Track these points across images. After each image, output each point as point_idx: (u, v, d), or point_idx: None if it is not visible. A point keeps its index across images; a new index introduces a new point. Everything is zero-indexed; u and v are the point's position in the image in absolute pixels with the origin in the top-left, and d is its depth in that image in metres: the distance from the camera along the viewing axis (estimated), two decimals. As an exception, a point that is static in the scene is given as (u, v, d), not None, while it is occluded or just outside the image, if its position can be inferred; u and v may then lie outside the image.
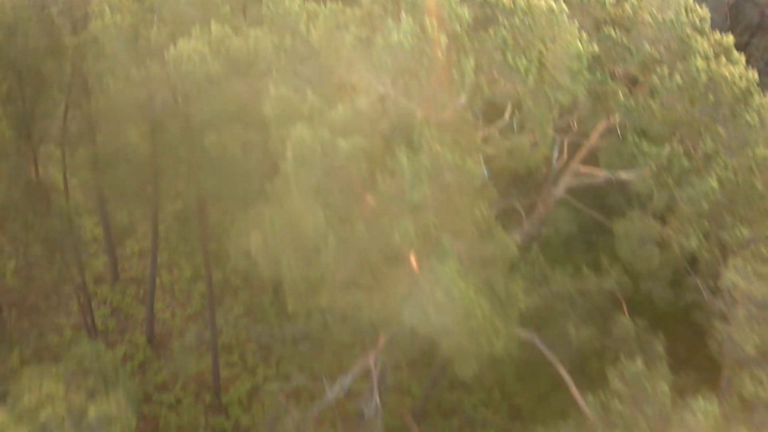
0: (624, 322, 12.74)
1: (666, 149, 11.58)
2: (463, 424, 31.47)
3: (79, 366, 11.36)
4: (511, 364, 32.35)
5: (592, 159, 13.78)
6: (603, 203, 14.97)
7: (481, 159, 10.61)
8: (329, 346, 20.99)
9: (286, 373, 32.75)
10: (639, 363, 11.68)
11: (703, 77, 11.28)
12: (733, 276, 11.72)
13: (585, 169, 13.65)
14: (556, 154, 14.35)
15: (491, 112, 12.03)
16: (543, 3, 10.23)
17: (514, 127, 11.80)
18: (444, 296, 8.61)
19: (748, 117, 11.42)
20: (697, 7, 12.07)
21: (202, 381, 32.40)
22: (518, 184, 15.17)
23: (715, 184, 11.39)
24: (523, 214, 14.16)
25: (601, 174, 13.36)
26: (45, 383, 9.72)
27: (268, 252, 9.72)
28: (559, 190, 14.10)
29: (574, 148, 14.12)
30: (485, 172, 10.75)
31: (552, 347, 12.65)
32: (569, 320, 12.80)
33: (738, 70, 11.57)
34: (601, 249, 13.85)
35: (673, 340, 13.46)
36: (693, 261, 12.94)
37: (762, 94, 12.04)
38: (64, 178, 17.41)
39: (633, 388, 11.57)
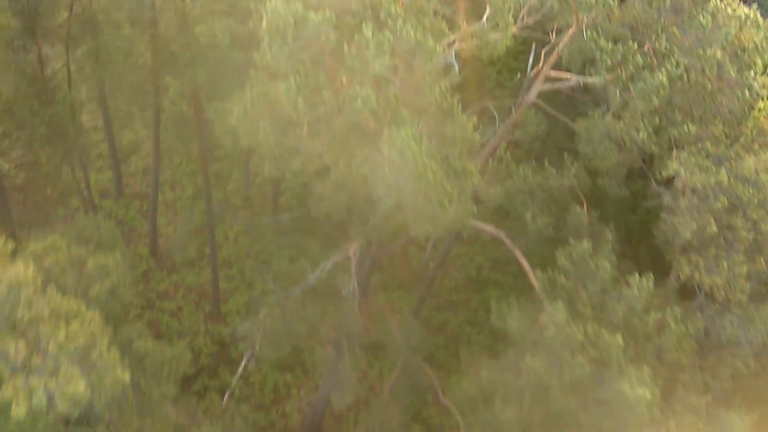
0: (578, 211, 13.86)
1: (622, 46, 12.41)
2: (449, 341, 33.23)
3: (80, 235, 12.61)
4: (496, 288, 33.92)
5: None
6: (572, 107, 15.90)
7: (449, 47, 11.51)
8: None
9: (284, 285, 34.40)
10: (585, 244, 12.86)
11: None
12: (676, 166, 12.74)
13: (555, 73, 14.51)
14: (530, 62, 15.19)
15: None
16: None
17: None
18: (398, 157, 9.70)
19: (702, 19, 12.16)
20: None
21: (202, 291, 34.23)
22: (494, 90, 16.08)
23: (665, 80, 12.26)
24: (497, 117, 15.13)
25: (570, 77, 14.23)
26: (50, 238, 11.02)
27: (248, 121, 10.83)
28: (532, 96, 15.01)
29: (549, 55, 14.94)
30: (454, 63, 11.66)
31: (513, 237, 13.83)
32: (528, 210, 13.94)
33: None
34: (565, 149, 14.88)
35: (623, 233, 14.62)
36: (649, 159, 13.94)
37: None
38: (68, 71, 18.49)
39: (578, 266, 12.79)
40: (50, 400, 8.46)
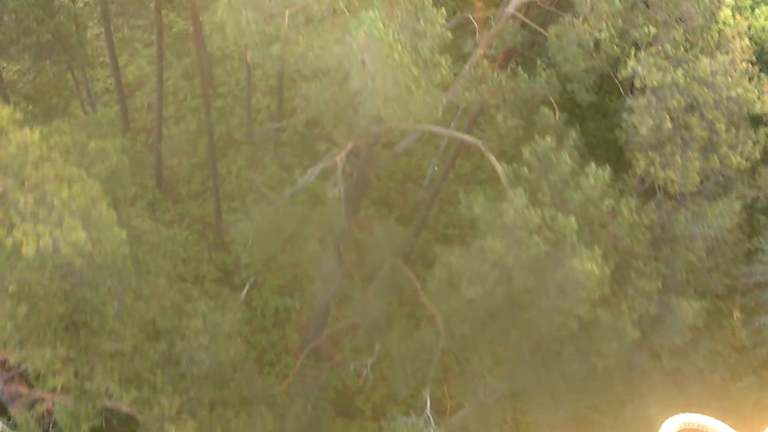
0: (546, 113, 14.79)
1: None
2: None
3: (82, 126, 13.72)
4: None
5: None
6: (548, 19, 16.67)
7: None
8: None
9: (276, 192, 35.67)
10: (549, 140, 13.85)
11: None
12: (633, 64, 13.59)
13: (532, -16, 15.26)
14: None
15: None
16: None
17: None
18: (365, 36, 10.65)
19: None
20: None
21: (206, 222, 35.64)
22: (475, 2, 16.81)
23: (628, -18, 13.03)
24: (477, 28, 15.94)
25: (545, -13, 14.98)
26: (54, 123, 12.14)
27: (232, 12, 11.80)
28: (511, 8, 15.80)
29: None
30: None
31: (485, 138, 14.82)
32: (500, 112, 14.89)
33: None
34: (538, 56, 15.72)
35: (589, 136, 15.61)
36: (615, 65, 14.77)
37: None
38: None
39: (542, 160, 13.81)
40: (55, 244, 9.71)
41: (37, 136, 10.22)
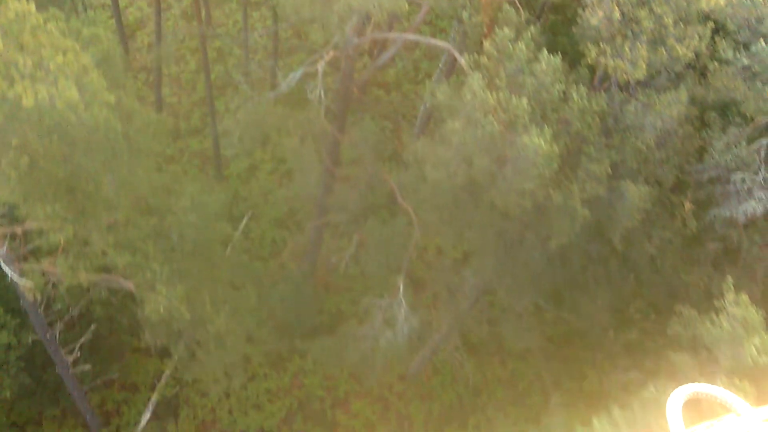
0: (509, 9, 15.80)
1: None
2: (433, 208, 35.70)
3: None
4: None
5: None
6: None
7: None
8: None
9: (281, 157, 37.24)
10: (507, 30, 14.91)
11: None
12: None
13: None
14: None
15: None
16: None
17: None
18: None
19: None
20: None
21: (206, 157, 37.03)
22: None
23: None
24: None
25: None
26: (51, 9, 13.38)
27: None
28: None
29: None
30: None
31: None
32: (466, 10, 15.93)
33: None
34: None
35: (548, 34, 16.67)
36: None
37: None
38: None
39: (500, 50, 14.92)
40: (51, 100, 10.99)
41: (33, 6, 11.44)
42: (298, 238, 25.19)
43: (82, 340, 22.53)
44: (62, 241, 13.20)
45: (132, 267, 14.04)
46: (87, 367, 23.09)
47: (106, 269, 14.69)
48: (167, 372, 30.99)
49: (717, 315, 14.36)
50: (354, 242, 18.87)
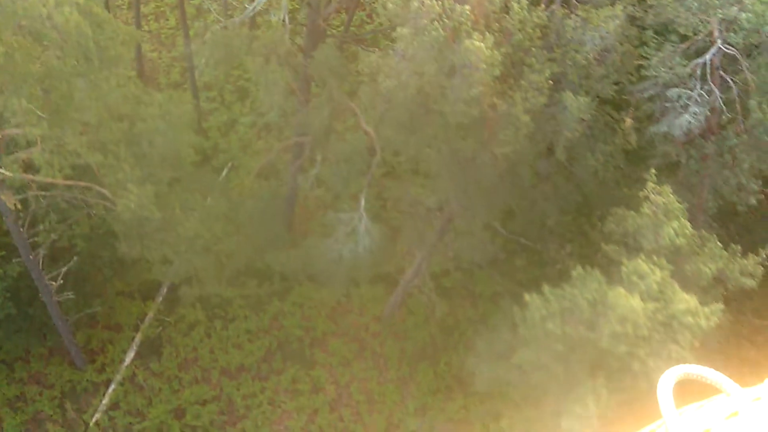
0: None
1: None
2: (409, 159, 37.03)
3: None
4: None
5: None
6: None
7: None
8: None
9: (260, 111, 38.41)
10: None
11: None
12: None
13: None
14: None
15: None
16: None
17: None
18: None
19: None
20: None
21: (184, 103, 37.86)
22: None
23: None
24: None
25: None
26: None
27: None
28: None
29: None
30: None
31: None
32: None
33: None
34: None
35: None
36: None
37: None
38: None
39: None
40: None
41: None
42: (266, 158, 26.40)
43: (65, 269, 23.65)
44: (38, 138, 14.25)
45: (104, 167, 15.12)
46: (70, 294, 24.24)
47: (81, 174, 15.77)
48: (150, 314, 32.21)
49: (641, 205, 15.67)
50: (318, 162, 20.01)
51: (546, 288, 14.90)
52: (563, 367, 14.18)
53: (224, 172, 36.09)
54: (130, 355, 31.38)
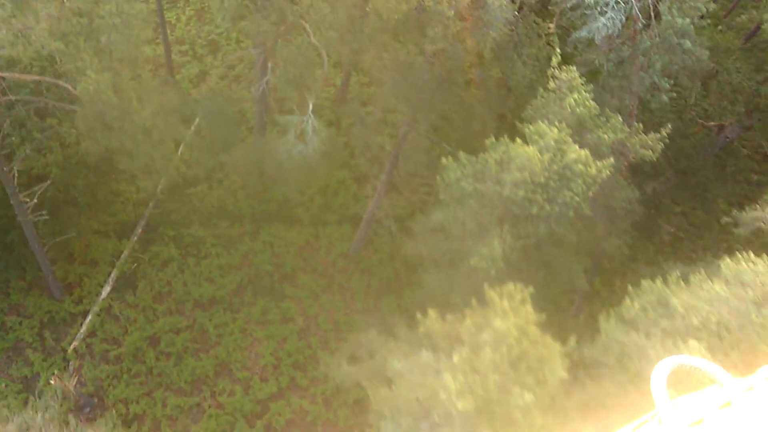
0: None
1: None
2: (378, 109, 39.07)
3: None
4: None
5: None
6: None
7: None
8: None
9: (230, 64, 40.42)
10: None
11: None
12: None
13: None
14: None
15: None
16: None
17: None
18: None
19: None
20: None
21: (158, 63, 39.82)
22: None
23: None
24: None
25: None
26: None
27: None
28: None
29: None
30: None
31: None
32: None
33: None
34: None
35: None
36: None
37: None
38: None
39: None
40: None
41: None
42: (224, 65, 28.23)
43: (40, 189, 25.41)
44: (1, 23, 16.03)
45: (65, 56, 16.85)
46: (45, 215, 25.96)
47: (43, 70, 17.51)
48: (126, 252, 34.00)
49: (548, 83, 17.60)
50: (269, 68, 21.79)
51: (462, 153, 16.73)
52: (475, 220, 15.99)
53: (195, 122, 37.97)
54: (107, 289, 33.20)
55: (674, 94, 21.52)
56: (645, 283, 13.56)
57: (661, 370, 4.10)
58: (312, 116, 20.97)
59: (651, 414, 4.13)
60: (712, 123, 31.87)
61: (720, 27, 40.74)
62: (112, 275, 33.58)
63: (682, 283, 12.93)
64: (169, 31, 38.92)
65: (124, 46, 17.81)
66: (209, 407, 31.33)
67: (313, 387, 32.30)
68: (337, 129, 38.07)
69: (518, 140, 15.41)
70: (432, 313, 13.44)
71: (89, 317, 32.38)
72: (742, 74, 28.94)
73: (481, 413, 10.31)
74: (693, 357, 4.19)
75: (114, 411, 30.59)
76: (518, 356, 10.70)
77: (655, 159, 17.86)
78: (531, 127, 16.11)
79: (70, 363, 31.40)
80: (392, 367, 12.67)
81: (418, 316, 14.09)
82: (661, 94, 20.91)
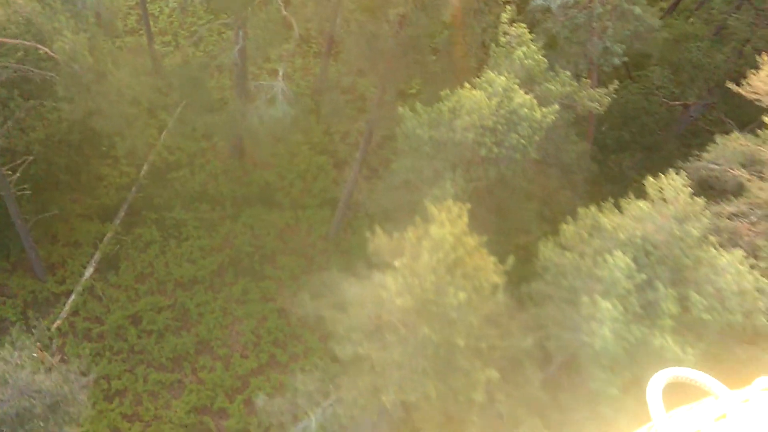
0: None
1: None
2: (357, 98, 40.34)
3: None
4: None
5: None
6: None
7: None
8: None
9: (212, 52, 41.65)
10: None
11: None
12: None
13: None
14: None
15: None
16: None
17: None
18: None
19: None
20: None
21: (142, 52, 40.90)
22: None
23: None
24: None
25: None
26: None
27: None
28: None
29: None
30: None
31: None
32: None
33: None
34: None
35: None
36: None
37: None
38: None
39: None
40: None
41: None
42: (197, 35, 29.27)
43: (23, 163, 26.34)
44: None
45: (42, 17, 17.87)
46: (27, 189, 26.84)
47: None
48: (109, 234, 34.88)
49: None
50: (240, 36, 22.84)
51: (418, 104, 17.78)
52: (431, 167, 16.98)
53: (178, 109, 39.04)
54: (90, 270, 34.03)
55: (627, 58, 22.70)
56: (581, 210, 14.57)
57: (657, 382, 4.15)
58: (282, 82, 22.04)
59: (647, 426, 4.16)
60: (677, 102, 33.20)
61: (692, 19, 42.30)
62: (95, 256, 34.42)
63: (615, 209, 13.93)
64: (152, 23, 40.09)
65: (101, 9, 18.85)
66: (190, 383, 32.08)
67: (292, 363, 33.10)
68: (316, 117, 39.24)
69: (468, 86, 16.53)
70: (379, 230, 14.39)
71: (72, 297, 33.18)
72: (702, 52, 30.32)
73: (420, 312, 11.18)
74: (689, 370, 4.22)
75: (96, 387, 31.30)
76: (454, 262, 11.65)
77: (602, 113, 18.95)
78: (481, 76, 17.22)
79: (53, 341, 32.15)
80: (347, 294, 13.52)
81: (367, 234, 15.01)
82: (613, 58, 22.10)
